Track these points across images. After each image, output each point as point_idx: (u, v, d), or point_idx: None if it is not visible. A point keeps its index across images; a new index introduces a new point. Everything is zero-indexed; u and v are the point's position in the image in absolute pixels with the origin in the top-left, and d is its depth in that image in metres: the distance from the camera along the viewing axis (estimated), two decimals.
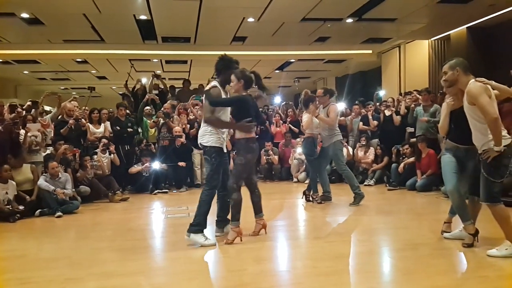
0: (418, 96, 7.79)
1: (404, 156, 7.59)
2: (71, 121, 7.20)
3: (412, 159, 7.36)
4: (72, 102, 7.73)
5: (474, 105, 3.32)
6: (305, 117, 6.13)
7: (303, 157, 8.56)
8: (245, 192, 4.16)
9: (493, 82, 3.46)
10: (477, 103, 3.27)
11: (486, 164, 3.33)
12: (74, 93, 12.77)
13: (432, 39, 10.97)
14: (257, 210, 4.29)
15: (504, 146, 3.26)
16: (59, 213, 5.63)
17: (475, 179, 3.56)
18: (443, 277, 2.99)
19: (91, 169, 6.90)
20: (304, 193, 6.34)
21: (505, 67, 6.90)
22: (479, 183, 3.45)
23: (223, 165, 4.13)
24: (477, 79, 3.41)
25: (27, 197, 5.85)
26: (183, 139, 8.01)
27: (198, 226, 3.96)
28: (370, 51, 12.84)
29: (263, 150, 9.02)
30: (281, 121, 9.61)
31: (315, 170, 6.24)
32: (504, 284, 2.92)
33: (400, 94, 10.53)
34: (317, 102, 6.10)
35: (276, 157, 9.05)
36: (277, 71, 15.67)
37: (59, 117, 7.48)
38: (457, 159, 3.73)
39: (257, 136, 9.65)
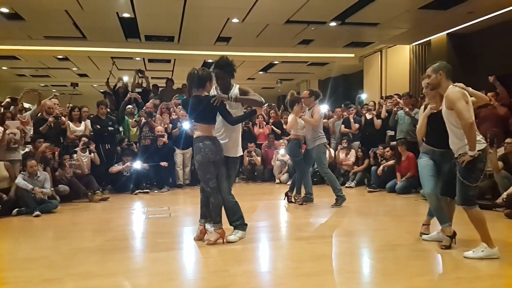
0: (398, 100, 7.91)
1: (383, 159, 7.71)
2: (50, 119, 7.09)
3: (391, 161, 7.48)
4: (52, 99, 7.59)
5: (452, 110, 3.39)
6: (290, 118, 6.17)
7: (285, 158, 8.61)
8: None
9: (470, 88, 3.54)
10: (454, 107, 3.34)
11: (462, 168, 3.39)
12: (54, 90, 12.52)
13: (413, 44, 11.17)
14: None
15: (478, 150, 3.33)
16: (37, 213, 5.53)
17: (449, 181, 3.64)
18: (421, 278, 3.05)
19: (70, 168, 6.79)
20: (286, 194, 6.38)
21: (484, 72, 7.08)
22: (452, 184, 3.53)
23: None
24: (456, 84, 3.48)
25: (4, 195, 5.72)
26: (165, 139, 7.95)
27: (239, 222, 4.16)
28: (353, 55, 12.98)
29: (245, 151, 9.03)
30: (264, 123, 9.63)
31: (300, 171, 6.27)
32: (480, 285, 2.99)
33: (382, 97, 10.67)
34: (303, 104, 6.15)
35: (259, 158, 9.07)
36: (261, 73, 15.71)
37: (39, 114, 7.34)
38: (434, 162, 3.80)
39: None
